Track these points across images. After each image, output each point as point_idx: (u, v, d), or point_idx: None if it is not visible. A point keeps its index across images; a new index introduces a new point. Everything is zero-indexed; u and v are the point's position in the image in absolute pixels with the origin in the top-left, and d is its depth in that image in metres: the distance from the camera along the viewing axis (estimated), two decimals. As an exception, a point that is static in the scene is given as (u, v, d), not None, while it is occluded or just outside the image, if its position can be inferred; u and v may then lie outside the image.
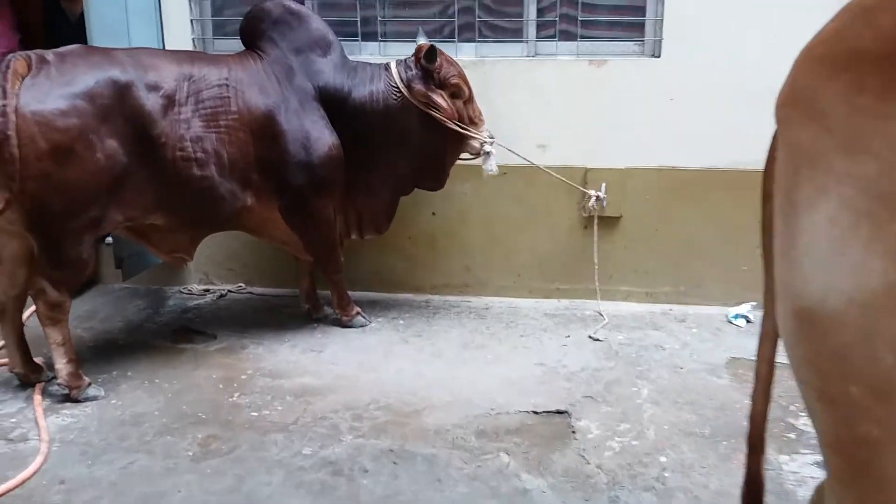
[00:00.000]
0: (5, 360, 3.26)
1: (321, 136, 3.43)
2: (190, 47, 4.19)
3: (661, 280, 4.15)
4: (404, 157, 3.65)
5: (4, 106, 2.72)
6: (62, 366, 3.05)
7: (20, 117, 2.73)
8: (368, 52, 4.04)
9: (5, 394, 3.18)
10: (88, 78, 2.92)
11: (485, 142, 3.66)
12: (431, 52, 3.44)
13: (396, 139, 3.59)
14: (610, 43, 4.00)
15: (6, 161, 2.72)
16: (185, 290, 4.44)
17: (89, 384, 3.14)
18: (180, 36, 4.20)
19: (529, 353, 3.61)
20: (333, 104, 3.48)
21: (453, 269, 4.30)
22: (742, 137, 3.81)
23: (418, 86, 3.50)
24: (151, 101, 3.06)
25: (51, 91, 2.83)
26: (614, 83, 3.92)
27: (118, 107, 2.97)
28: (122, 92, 2.98)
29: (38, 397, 3.09)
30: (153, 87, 3.08)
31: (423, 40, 3.67)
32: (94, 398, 3.12)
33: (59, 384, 3.07)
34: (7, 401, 3.13)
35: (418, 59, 3.50)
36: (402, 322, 3.99)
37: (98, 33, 3.67)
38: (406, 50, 3.94)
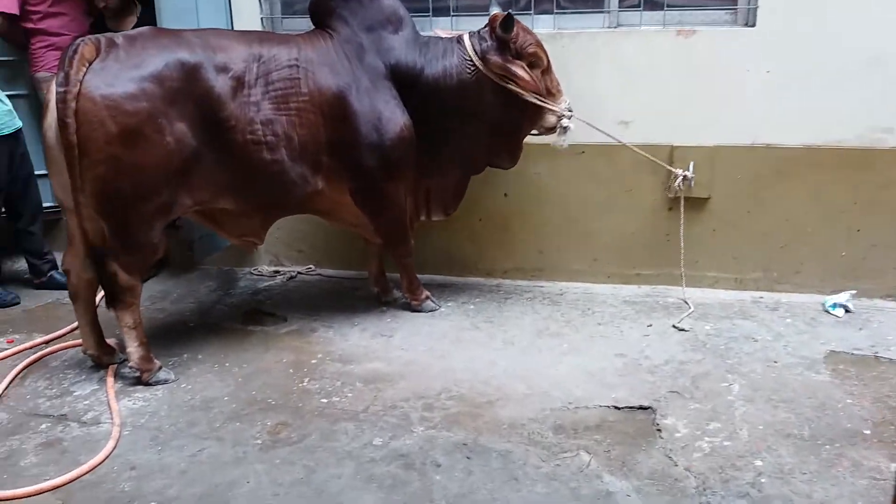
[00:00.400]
0: (79, 342, 3.27)
1: (393, 117, 3.30)
2: (258, 27, 4.12)
3: (752, 266, 3.88)
4: (477, 134, 3.49)
5: (65, 92, 2.70)
6: (133, 349, 3.04)
7: (89, 101, 2.71)
8: (440, 28, 3.85)
9: (79, 376, 3.20)
10: (157, 60, 2.86)
11: (563, 115, 3.46)
12: (508, 21, 3.25)
13: (469, 115, 3.43)
14: (699, 11, 3.71)
15: (67, 147, 2.71)
16: (256, 272, 4.41)
17: (160, 367, 3.13)
18: (249, 15, 4.12)
19: (608, 342, 3.42)
20: (406, 82, 3.34)
21: (526, 253, 4.12)
22: (844, 113, 3.55)
23: (494, 57, 3.31)
24: (220, 83, 2.99)
25: (120, 74, 2.79)
26: (704, 55, 3.64)
27: (187, 89, 2.91)
28: (190, 74, 2.92)
29: (110, 380, 3.09)
30: (222, 69, 3.01)
31: (496, 9, 3.48)
32: (165, 382, 3.10)
33: (130, 367, 3.07)
34: (81, 382, 3.15)
35: (493, 30, 3.32)
36: (472, 307, 3.85)
37: (167, 14, 3.63)
38: (479, 25, 3.76)
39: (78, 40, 2.82)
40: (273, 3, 4.18)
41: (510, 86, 3.33)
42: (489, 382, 3.08)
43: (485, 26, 3.39)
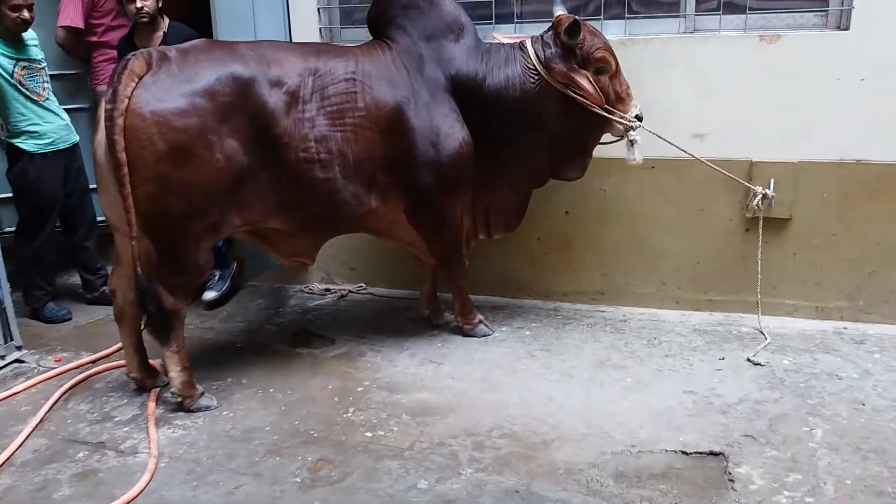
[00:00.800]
0: (123, 363, 3.20)
1: (451, 132, 3.13)
2: (316, 37, 4.01)
3: (836, 293, 3.54)
4: (541, 146, 3.28)
5: (112, 109, 2.62)
6: (176, 374, 2.94)
7: (138, 117, 2.62)
8: (500, 33, 3.65)
9: (121, 399, 3.13)
10: (210, 74, 2.76)
11: (630, 127, 3.20)
12: (574, 27, 3.02)
13: (533, 127, 3.22)
14: (785, 14, 3.40)
15: (115, 165, 2.63)
16: (307, 290, 4.30)
17: (202, 394, 3.02)
18: (307, 26, 4.02)
19: (676, 377, 3.15)
20: (466, 93, 3.17)
21: (587, 275, 3.87)
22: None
23: (559, 65, 3.09)
24: (274, 99, 2.86)
25: (171, 89, 2.69)
26: (789, 62, 3.33)
27: (240, 104, 2.79)
28: (243, 88, 2.80)
29: (151, 405, 3.00)
30: (276, 83, 2.88)
31: (561, 11, 3.25)
32: (207, 408, 2.99)
33: (172, 393, 2.97)
34: (122, 407, 3.07)
35: (558, 34, 3.10)
36: (528, 333, 3.63)
37: (224, 25, 3.54)
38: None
39: (129, 54, 2.75)
40: (332, 14, 4.06)
41: (576, 95, 3.11)
42: (545, 420, 2.85)
43: (548, 30, 3.19)
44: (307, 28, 4.02)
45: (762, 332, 3.48)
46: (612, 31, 3.52)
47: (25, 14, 3.60)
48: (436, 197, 3.20)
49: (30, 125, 3.76)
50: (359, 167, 3.04)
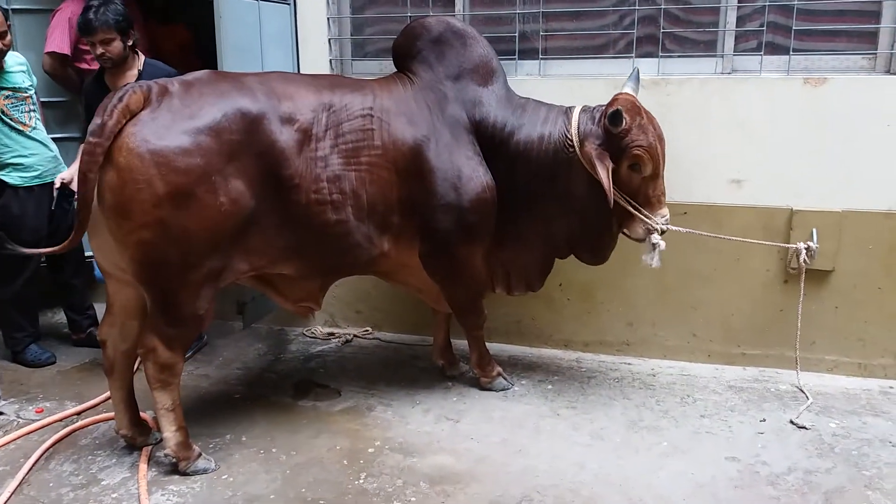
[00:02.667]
0: (111, 415, 2.92)
1: (474, 175, 2.91)
2: (327, 68, 3.80)
3: (880, 350, 3.33)
4: (563, 217, 3.03)
5: (96, 144, 2.36)
6: (170, 434, 2.67)
7: (136, 157, 2.37)
8: (526, 72, 3.47)
9: (109, 458, 2.84)
10: (215, 110, 2.51)
11: (653, 230, 2.94)
12: (616, 116, 2.77)
13: (559, 195, 2.98)
14: (830, 57, 3.22)
15: (81, 205, 2.42)
16: (309, 333, 4.03)
17: (199, 455, 2.74)
18: (317, 57, 3.82)
19: (716, 441, 2.90)
20: (492, 141, 2.96)
21: (612, 325, 3.64)
22: None
23: (589, 146, 2.84)
24: (285, 137, 2.63)
25: (172, 126, 2.44)
26: (836, 106, 3.15)
27: (247, 143, 2.55)
28: (252, 126, 2.57)
29: (143, 467, 2.72)
30: (287, 120, 2.66)
31: (629, 89, 2.96)
32: (205, 471, 2.71)
33: (166, 454, 2.69)
34: (111, 468, 2.78)
35: (605, 114, 2.86)
36: (550, 387, 3.38)
37: (230, 56, 3.32)
38: (569, 70, 3.37)
39: (127, 86, 2.50)
40: (343, 45, 3.85)
41: (602, 180, 2.81)
42: (578, 491, 2.59)
43: (605, 104, 2.92)
44: (317, 60, 3.82)
45: (802, 391, 3.25)
46: (645, 70, 3.33)
47: None
48: (455, 242, 2.98)
49: (14, 157, 3.49)
50: (372, 209, 2.83)
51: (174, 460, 2.69)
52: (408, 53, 3.02)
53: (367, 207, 2.81)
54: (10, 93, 3.47)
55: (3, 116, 3.45)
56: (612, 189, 2.78)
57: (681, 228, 3.06)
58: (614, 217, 2.99)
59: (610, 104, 2.85)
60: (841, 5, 3.18)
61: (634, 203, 2.92)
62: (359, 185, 2.78)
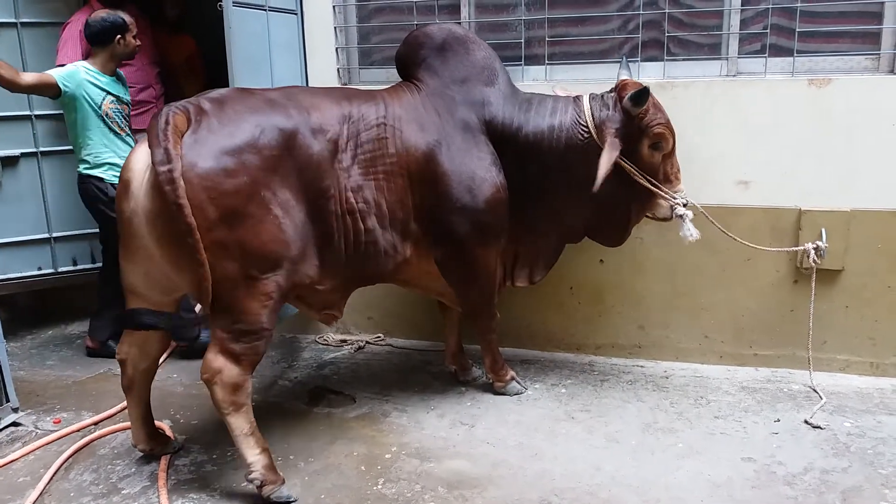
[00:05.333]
0: (128, 425, 2.93)
1: (488, 176, 2.95)
2: (334, 77, 3.84)
3: (892, 348, 3.35)
4: (579, 205, 3.07)
5: (171, 171, 2.29)
6: (255, 458, 2.55)
7: (185, 183, 2.33)
8: (532, 78, 3.50)
9: (129, 468, 2.85)
10: (252, 127, 2.50)
11: (676, 204, 3.00)
12: (641, 95, 2.82)
13: (574, 183, 3.00)
14: (834, 58, 3.24)
15: (185, 233, 2.31)
16: (321, 341, 4.05)
17: (283, 482, 2.62)
18: (324, 66, 3.85)
19: (731, 442, 2.91)
20: (502, 138, 3.00)
21: (623, 327, 3.66)
22: None
23: (609, 129, 2.89)
24: (319, 148, 2.64)
25: (214, 147, 2.41)
26: (841, 107, 3.17)
27: (287, 157, 2.55)
28: (289, 141, 2.56)
29: (162, 476, 2.73)
30: (319, 131, 2.67)
31: (626, 75, 3.07)
32: (287, 500, 2.59)
33: (250, 479, 2.56)
34: (130, 477, 2.79)
35: (620, 98, 2.90)
36: (564, 391, 3.39)
37: (240, 65, 3.34)
38: (575, 74, 3.40)
39: (166, 109, 2.45)
40: (350, 54, 3.89)
41: (624, 164, 2.90)
42: (596, 493, 2.60)
43: (611, 90, 2.99)
44: (325, 69, 3.85)
45: (815, 391, 3.26)
46: (650, 74, 3.37)
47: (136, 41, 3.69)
48: (471, 245, 3.01)
49: (111, 157, 3.68)
50: (393, 216, 2.86)
51: (259, 484, 2.56)
52: (412, 62, 3.05)
53: (388, 215, 2.84)
54: (114, 99, 3.69)
55: (106, 119, 3.64)
56: (601, 179, 2.82)
57: (702, 210, 3.09)
58: (634, 201, 3.03)
59: (623, 87, 2.91)
60: (844, 6, 3.20)
61: (655, 182, 2.97)
62: (378, 193, 2.80)
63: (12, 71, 3.48)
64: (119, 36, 3.61)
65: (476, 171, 2.93)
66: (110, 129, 3.68)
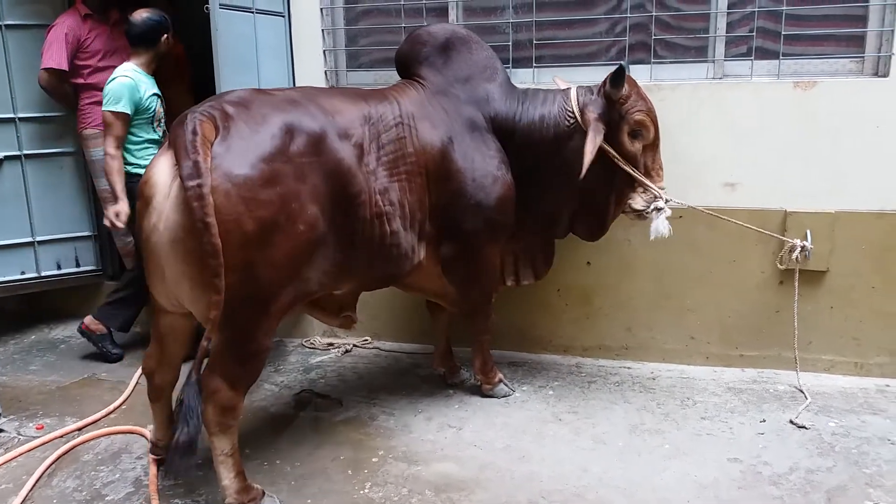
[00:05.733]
0: (114, 430, 2.90)
1: (498, 174, 2.97)
2: (322, 79, 3.82)
3: (876, 349, 3.37)
4: (564, 194, 3.09)
5: (200, 186, 2.13)
6: (229, 481, 2.46)
7: (222, 195, 2.17)
8: (519, 81, 3.49)
9: (113, 474, 2.80)
10: (280, 132, 2.36)
11: (657, 197, 3.01)
12: (618, 75, 2.85)
13: (560, 172, 3.02)
14: (818, 60, 3.27)
15: (208, 254, 2.14)
16: (308, 344, 4.03)
17: (263, 493, 2.56)
18: (312, 68, 3.83)
19: (717, 442, 2.92)
20: (504, 134, 3.02)
21: (610, 329, 3.66)
22: None
23: (592, 113, 2.92)
24: (347, 153, 2.53)
25: (247, 154, 2.25)
26: (826, 109, 3.20)
27: (316, 163, 2.42)
28: (318, 145, 2.44)
29: (153, 469, 2.72)
30: (344, 135, 2.56)
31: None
32: None
33: (227, 503, 2.48)
34: (114, 483, 2.73)
35: (604, 83, 2.94)
36: (551, 392, 3.39)
37: (226, 67, 3.32)
38: (564, 77, 3.39)
39: (190, 116, 2.27)
40: (338, 56, 3.88)
41: (606, 148, 2.92)
42: (583, 496, 2.60)
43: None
44: (312, 71, 3.83)
45: (801, 391, 3.28)
46: (638, 77, 3.35)
47: None
48: (481, 244, 3.02)
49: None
50: (413, 217, 2.81)
51: None
52: (414, 60, 3.03)
53: (409, 216, 2.79)
54: (160, 101, 3.69)
55: (158, 120, 3.69)
56: (592, 154, 2.84)
57: (682, 203, 3.10)
58: (614, 191, 3.04)
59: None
60: (828, 10, 3.22)
61: (636, 170, 2.98)
62: (402, 194, 2.74)
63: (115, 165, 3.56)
64: (165, 35, 3.59)
65: (487, 168, 2.93)
66: (154, 129, 3.67)
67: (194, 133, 2.20)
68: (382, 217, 2.67)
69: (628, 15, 3.40)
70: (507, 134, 3.01)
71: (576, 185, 3.00)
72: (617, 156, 2.93)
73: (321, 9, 3.75)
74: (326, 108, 2.57)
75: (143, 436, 3.01)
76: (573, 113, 2.96)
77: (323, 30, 3.78)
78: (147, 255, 2.37)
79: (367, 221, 2.62)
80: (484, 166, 2.93)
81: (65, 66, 3.92)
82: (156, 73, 4.43)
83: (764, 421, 3.07)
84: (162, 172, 2.29)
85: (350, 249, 2.60)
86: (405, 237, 2.78)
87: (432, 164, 2.83)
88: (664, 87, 3.35)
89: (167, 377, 2.70)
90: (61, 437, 3.10)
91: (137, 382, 3.57)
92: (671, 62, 3.42)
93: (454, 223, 2.93)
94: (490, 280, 3.17)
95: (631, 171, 2.98)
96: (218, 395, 2.38)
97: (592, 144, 2.85)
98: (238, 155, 2.25)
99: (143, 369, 2.70)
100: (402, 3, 3.68)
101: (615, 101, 2.90)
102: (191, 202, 2.13)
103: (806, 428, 2.99)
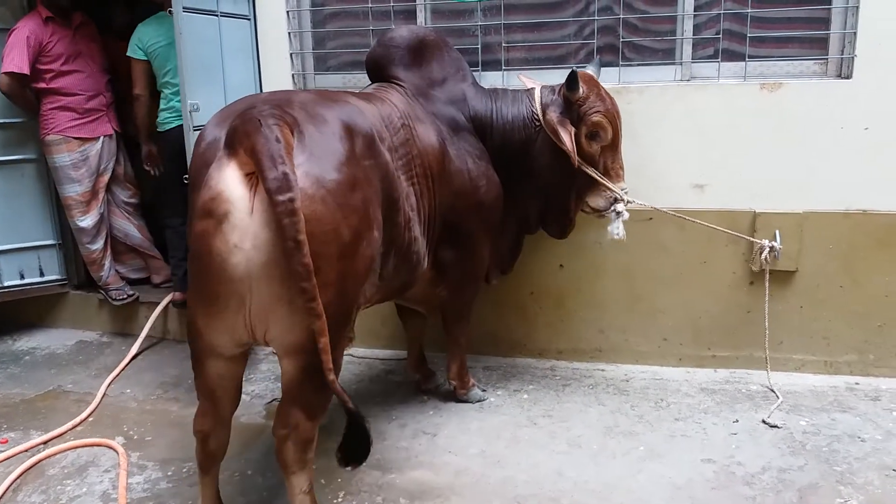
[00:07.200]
0: (82, 443, 2.81)
1: (490, 174, 3.00)
2: (289, 83, 3.78)
3: (845, 347, 3.40)
4: (532, 192, 3.13)
5: (292, 201, 1.89)
6: None
7: (319, 202, 2.00)
8: (489, 84, 3.46)
9: (80, 487, 2.73)
10: (346, 133, 2.19)
11: (617, 198, 3.04)
12: (571, 79, 2.88)
13: (529, 172, 3.07)
14: (784, 62, 3.30)
15: (301, 277, 1.91)
16: (280, 352, 3.97)
17: None
18: (279, 72, 3.80)
19: (691, 444, 2.93)
20: (482, 133, 3.03)
21: (584, 332, 3.66)
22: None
23: (551, 114, 2.95)
24: (387, 155, 2.42)
25: (329, 157, 2.08)
26: (792, 111, 3.23)
27: (375, 166, 2.28)
28: (371, 147, 2.30)
29: (123, 475, 2.65)
30: (380, 137, 2.43)
31: (592, 68, 3.14)
32: None
33: None
34: (81, 497, 2.65)
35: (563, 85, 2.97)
36: (526, 396, 3.38)
37: (191, 71, 3.28)
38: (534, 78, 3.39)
39: (263, 121, 1.99)
40: (305, 59, 3.84)
41: (564, 147, 2.93)
42: (558, 500, 2.59)
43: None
44: (279, 75, 3.80)
45: (772, 390, 3.31)
46: (606, 80, 3.37)
47: None
48: (478, 245, 3.04)
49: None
50: (426, 221, 2.74)
51: None
52: (389, 62, 2.97)
53: (422, 221, 2.72)
54: None
55: None
56: (574, 150, 2.88)
57: (645, 203, 3.13)
58: (574, 190, 3.06)
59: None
60: (793, 13, 3.26)
61: (596, 171, 3.00)
62: (418, 198, 2.67)
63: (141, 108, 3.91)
64: None
65: (480, 168, 2.95)
66: None
67: (278, 141, 1.95)
68: (409, 223, 2.57)
69: (596, 18, 3.42)
70: (485, 134, 3.02)
71: (540, 185, 3.07)
72: (573, 156, 2.92)
73: (287, 11, 3.72)
74: (361, 109, 2.41)
75: (111, 448, 2.93)
76: (538, 114, 2.99)
77: (290, 33, 3.74)
78: (218, 283, 2.00)
79: (400, 227, 2.50)
80: (476, 167, 2.94)
81: (26, 71, 3.84)
82: (120, 78, 4.37)
83: (737, 421, 3.09)
84: (235, 185, 1.97)
85: (385, 258, 2.45)
86: (422, 243, 2.72)
87: (435, 166, 2.77)
88: (632, 89, 3.36)
89: (222, 438, 2.38)
90: (26, 451, 3.02)
91: (105, 393, 3.51)
92: (639, 65, 3.44)
93: (455, 225, 2.91)
94: (480, 281, 3.19)
95: (591, 173, 2.99)
96: (298, 430, 2.19)
97: (567, 137, 2.89)
98: (323, 159, 2.07)
99: (196, 432, 2.36)
100: (370, 5, 3.66)
101: (573, 102, 2.93)
102: (281, 219, 1.89)
103: (778, 427, 3.02)
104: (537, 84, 3.09)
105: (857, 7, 3.11)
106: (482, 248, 3.06)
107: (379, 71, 3.02)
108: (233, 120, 2.08)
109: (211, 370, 2.22)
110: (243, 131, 2.00)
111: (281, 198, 1.88)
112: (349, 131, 2.21)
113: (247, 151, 1.97)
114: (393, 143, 2.56)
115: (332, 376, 2.03)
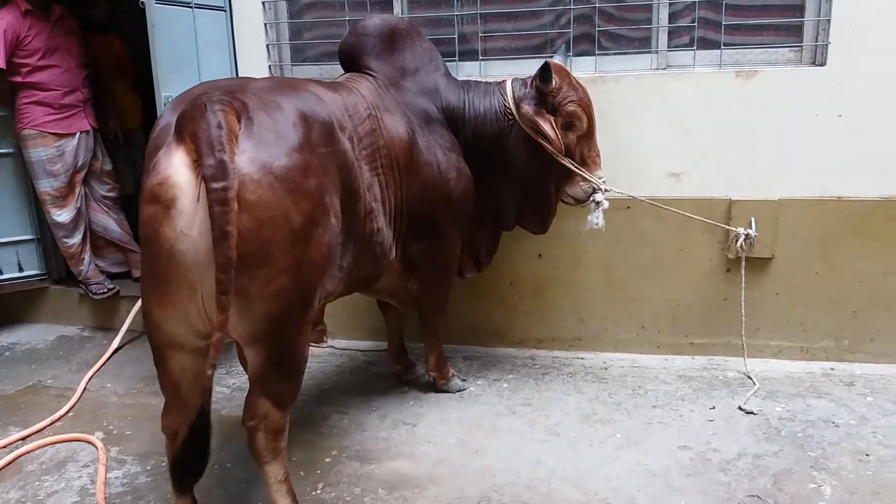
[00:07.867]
0: (60, 438, 2.81)
1: (460, 166, 2.98)
2: (266, 75, 3.75)
3: (820, 333, 3.44)
4: (508, 188, 3.11)
5: (225, 189, 1.86)
6: None
7: (267, 188, 1.97)
8: (466, 74, 3.49)
9: (58, 483, 2.71)
10: (301, 120, 2.16)
11: (596, 188, 3.04)
12: (545, 70, 2.88)
13: (502, 165, 3.05)
14: (759, 50, 3.31)
15: (220, 268, 1.87)
16: (261, 344, 3.97)
17: None
18: (256, 63, 3.78)
19: (668, 431, 2.96)
20: (454, 125, 3.01)
21: (563, 320, 3.68)
22: (927, 160, 3.14)
23: (526, 107, 2.94)
24: (347, 144, 2.38)
25: (279, 143, 2.05)
26: (767, 98, 3.24)
27: (332, 154, 2.25)
28: (330, 134, 2.27)
29: (102, 470, 2.63)
30: (341, 126, 2.39)
31: (559, 58, 3.14)
32: None
33: None
34: (59, 493, 2.64)
35: (535, 77, 2.96)
36: (505, 385, 3.40)
37: (165, 63, 3.26)
38: (510, 70, 3.39)
39: (208, 106, 1.95)
40: (282, 50, 3.82)
41: (541, 141, 2.93)
42: (535, 488, 2.61)
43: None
44: (256, 66, 3.78)
45: (749, 377, 3.34)
46: (582, 69, 3.39)
47: None
48: (449, 238, 3.02)
49: None
50: (391, 213, 2.73)
51: None
52: (361, 52, 2.95)
53: (389, 212, 2.71)
54: None
55: None
56: (560, 138, 2.89)
57: (623, 192, 3.14)
58: (552, 181, 3.06)
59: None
60: (767, 0, 3.26)
61: (573, 162, 3.00)
62: (381, 190, 2.65)
63: None
64: None
65: (450, 160, 2.93)
66: None
67: (219, 127, 1.92)
68: (371, 214, 2.54)
69: (572, 7, 3.41)
70: (457, 126, 3.01)
71: (517, 178, 3.06)
72: (550, 149, 2.93)
73: (263, 2, 3.69)
74: (320, 97, 2.38)
75: (90, 443, 2.93)
76: (511, 108, 2.97)
77: (266, 24, 3.72)
78: (167, 269, 1.97)
79: (360, 218, 2.47)
80: (447, 159, 2.92)
81: (2, 65, 3.80)
82: (98, 73, 4.34)
83: (713, 408, 3.11)
84: (182, 171, 1.94)
85: (345, 249, 2.43)
86: (387, 235, 2.70)
87: (402, 157, 2.75)
88: (608, 78, 3.36)
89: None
90: (4, 447, 3.01)
91: (85, 388, 3.50)
92: (615, 53, 3.44)
93: (423, 218, 2.90)
94: (453, 274, 3.17)
95: (568, 165, 2.99)
96: (268, 420, 2.21)
97: (548, 126, 2.89)
98: (271, 145, 2.03)
99: (164, 430, 2.33)
100: (347, -5, 3.64)
101: (546, 94, 2.92)
102: (212, 207, 1.86)
103: (754, 413, 3.04)
104: (508, 78, 3.07)
105: (831, -5, 3.13)
106: (453, 241, 3.05)
107: (351, 61, 3.00)
108: (184, 105, 2.06)
109: (173, 364, 2.17)
110: (189, 116, 1.97)
111: (214, 185, 1.86)
112: (304, 118, 2.17)
113: (190, 137, 1.95)
114: (356, 132, 2.54)
115: (210, 372, 1.98)
